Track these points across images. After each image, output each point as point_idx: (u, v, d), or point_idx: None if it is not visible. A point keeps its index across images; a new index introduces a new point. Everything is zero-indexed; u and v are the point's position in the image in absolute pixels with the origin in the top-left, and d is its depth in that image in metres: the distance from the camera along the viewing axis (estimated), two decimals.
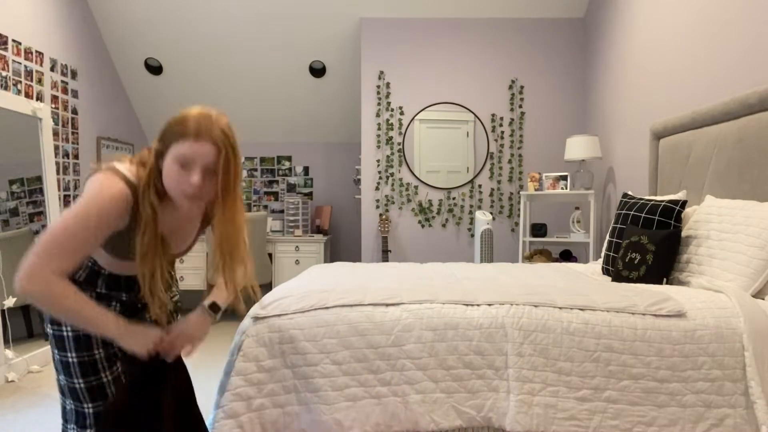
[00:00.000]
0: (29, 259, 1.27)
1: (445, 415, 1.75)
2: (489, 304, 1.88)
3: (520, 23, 4.97)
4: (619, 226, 2.76)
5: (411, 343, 1.79)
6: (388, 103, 4.99)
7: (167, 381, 1.48)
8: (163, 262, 1.44)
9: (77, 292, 1.32)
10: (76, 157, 4.59)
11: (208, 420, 1.96)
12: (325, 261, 5.43)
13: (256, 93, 5.46)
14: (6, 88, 3.72)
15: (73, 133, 4.54)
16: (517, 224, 5.00)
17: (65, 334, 1.44)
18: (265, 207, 5.92)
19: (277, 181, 5.96)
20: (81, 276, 1.46)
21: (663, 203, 2.52)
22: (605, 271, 2.82)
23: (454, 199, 5.02)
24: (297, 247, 5.30)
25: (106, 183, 1.33)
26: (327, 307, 1.87)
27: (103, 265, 1.47)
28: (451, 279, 2.34)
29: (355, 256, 5.88)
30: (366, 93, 5.00)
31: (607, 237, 2.88)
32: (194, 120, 1.35)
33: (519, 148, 5.01)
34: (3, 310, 3.49)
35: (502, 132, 5.00)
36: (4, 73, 3.70)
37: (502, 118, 4.99)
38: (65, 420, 1.49)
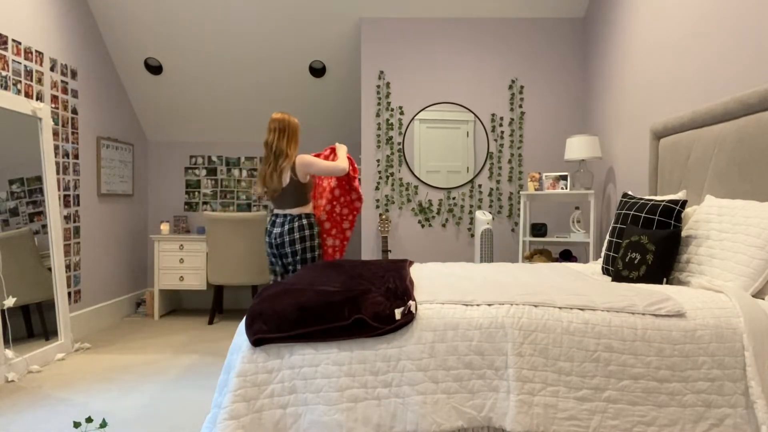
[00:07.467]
0: (335, 168, 3.50)
1: (447, 415, 1.75)
2: (489, 304, 1.88)
3: (520, 23, 4.97)
4: (619, 225, 2.76)
5: (411, 344, 1.79)
6: (388, 103, 5.00)
7: None
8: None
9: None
10: (76, 157, 4.59)
11: (208, 419, 1.96)
12: None
13: (256, 93, 5.46)
14: (6, 88, 3.72)
15: (73, 133, 4.54)
16: (517, 224, 5.01)
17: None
18: (266, 207, 5.93)
19: None
20: None
21: (663, 203, 2.52)
22: (605, 271, 2.82)
23: (454, 199, 5.03)
24: None
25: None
26: None
27: None
28: (450, 279, 2.34)
29: (355, 256, 5.88)
30: (366, 93, 5.01)
31: (607, 237, 2.88)
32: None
33: (519, 148, 5.01)
34: (3, 310, 3.49)
35: (502, 132, 5.00)
36: (4, 73, 3.70)
37: (502, 118, 5.00)
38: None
